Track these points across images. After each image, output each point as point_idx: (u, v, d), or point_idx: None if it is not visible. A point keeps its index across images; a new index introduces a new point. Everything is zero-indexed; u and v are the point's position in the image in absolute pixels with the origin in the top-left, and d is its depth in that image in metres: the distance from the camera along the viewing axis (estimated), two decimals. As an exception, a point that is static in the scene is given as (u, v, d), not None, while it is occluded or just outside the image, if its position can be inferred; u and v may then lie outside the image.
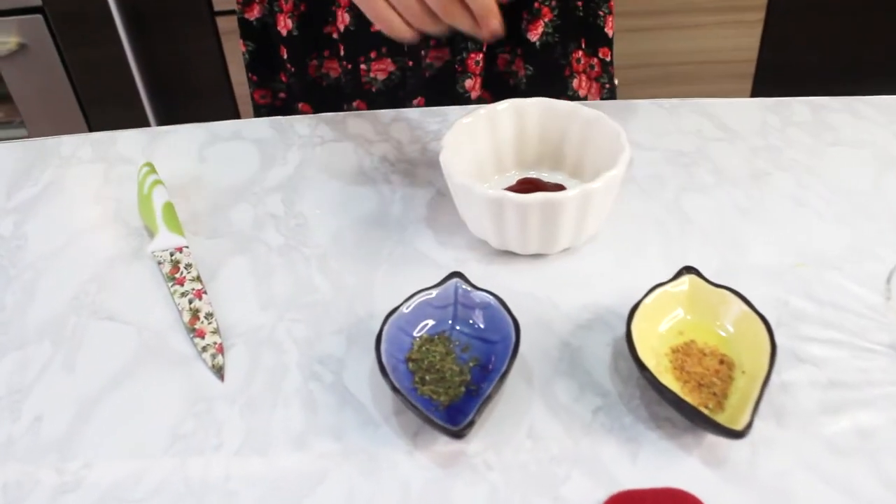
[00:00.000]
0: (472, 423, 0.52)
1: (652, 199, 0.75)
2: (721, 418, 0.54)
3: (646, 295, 0.60)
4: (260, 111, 0.93)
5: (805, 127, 0.83)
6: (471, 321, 0.62)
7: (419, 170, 0.80)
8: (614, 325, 0.63)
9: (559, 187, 0.73)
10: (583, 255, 0.69)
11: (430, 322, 0.61)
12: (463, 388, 0.58)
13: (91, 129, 1.52)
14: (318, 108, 0.94)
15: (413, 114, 0.88)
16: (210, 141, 0.87)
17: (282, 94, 0.92)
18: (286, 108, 0.93)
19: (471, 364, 0.59)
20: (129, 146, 0.86)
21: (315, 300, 0.67)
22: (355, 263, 0.70)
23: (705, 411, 0.55)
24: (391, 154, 0.82)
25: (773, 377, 0.56)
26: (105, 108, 1.47)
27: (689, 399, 0.56)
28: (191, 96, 1.55)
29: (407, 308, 0.60)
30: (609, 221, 0.71)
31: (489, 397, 0.54)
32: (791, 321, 0.63)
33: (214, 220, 0.76)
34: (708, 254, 0.69)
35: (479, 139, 0.73)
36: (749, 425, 0.52)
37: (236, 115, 1.73)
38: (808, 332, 0.62)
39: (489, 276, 0.67)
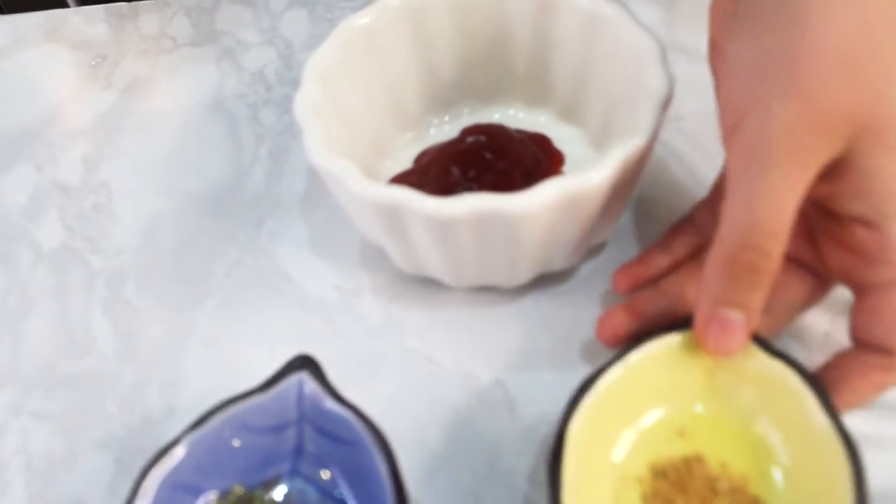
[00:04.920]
0: None
1: (710, 164, 0.38)
2: None
3: (619, 356, 0.27)
4: None
5: None
6: (328, 468, 0.28)
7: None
8: (621, 457, 0.30)
9: (539, 142, 0.38)
10: (571, 286, 0.34)
11: (249, 460, 0.28)
12: None
13: None
14: None
15: (322, -6, 0.51)
16: (12, 45, 0.52)
17: None
18: None
19: (315, 570, 0.27)
20: None
21: (83, 370, 0.35)
22: (167, 291, 0.37)
23: None
24: (271, 68, 0.47)
25: None
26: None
27: None
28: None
29: (194, 443, 0.27)
30: (629, 211, 0.36)
31: None
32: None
33: (-30, 195, 0.43)
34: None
35: (389, 52, 0.37)
36: None
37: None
38: None
39: (391, 331, 0.34)
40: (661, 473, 0.28)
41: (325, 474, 0.28)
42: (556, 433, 0.26)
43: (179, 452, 0.27)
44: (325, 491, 0.28)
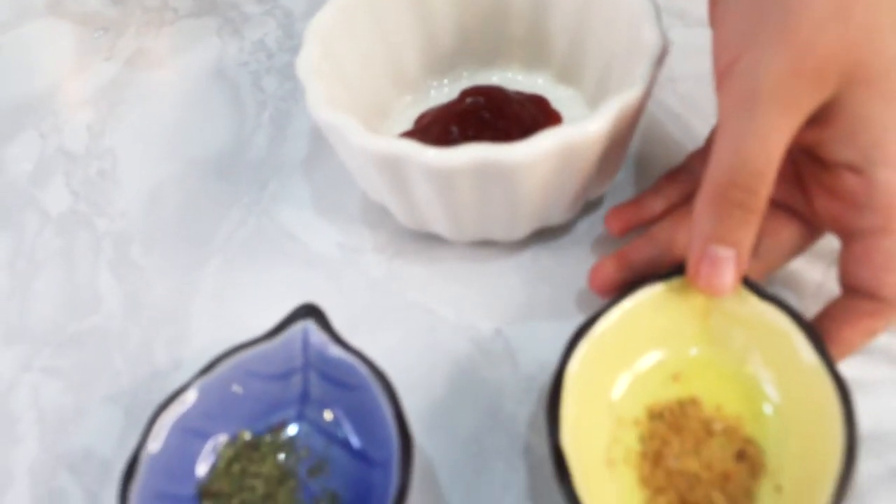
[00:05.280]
0: None
1: (705, 121, 0.39)
2: None
3: (616, 300, 0.28)
4: None
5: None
6: (334, 413, 0.29)
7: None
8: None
9: (537, 103, 0.38)
10: (570, 241, 0.35)
11: (257, 406, 0.29)
12: (297, 574, 0.27)
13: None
14: None
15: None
16: (15, 18, 0.53)
17: None
18: None
19: (320, 510, 0.28)
20: None
21: (92, 328, 0.35)
22: (171, 251, 0.37)
23: None
24: (272, 37, 0.47)
25: None
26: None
27: None
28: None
29: (204, 389, 0.28)
30: (626, 167, 0.37)
31: None
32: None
33: (-23, 163, 0.44)
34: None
35: (389, 16, 0.37)
36: None
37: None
38: None
39: (393, 286, 0.34)
40: (657, 416, 0.28)
41: (328, 415, 0.29)
42: (555, 375, 0.27)
43: (190, 397, 0.28)
44: (331, 435, 0.29)
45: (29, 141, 0.44)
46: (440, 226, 0.33)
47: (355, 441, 0.28)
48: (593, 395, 0.28)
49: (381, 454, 0.27)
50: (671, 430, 0.28)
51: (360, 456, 0.28)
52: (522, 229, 0.33)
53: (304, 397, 0.29)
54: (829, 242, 0.34)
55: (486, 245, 0.35)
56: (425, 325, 0.33)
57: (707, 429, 0.28)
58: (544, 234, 0.35)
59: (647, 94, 0.31)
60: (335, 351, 0.28)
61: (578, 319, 0.32)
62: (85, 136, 0.43)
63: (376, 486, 0.27)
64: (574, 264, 0.34)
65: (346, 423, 0.29)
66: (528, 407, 0.30)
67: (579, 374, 0.27)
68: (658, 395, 0.29)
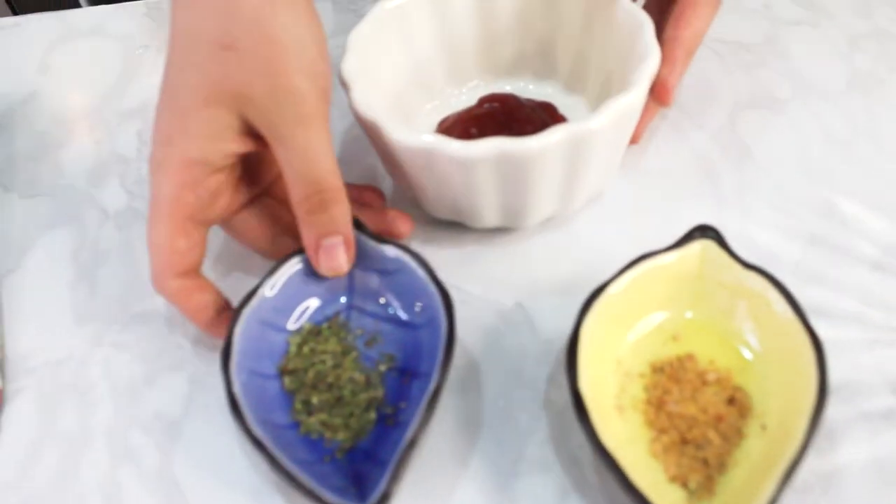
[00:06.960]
0: (386, 497, 0.27)
1: (694, 124, 0.44)
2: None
3: (621, 272, 0.32)
4: None
5: (934, -6, 0.50)
6: (378, 297, 0.35)
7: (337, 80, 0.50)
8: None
9: (546, 109, 0.43)
10: (577, 228, 0.40)
11: (313, 303, 0.34)
12: (374, 414, 0.32)
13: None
14: None
15: (343, -11, 0.56)
16: (61, 38, 0.57)
17: None
18: None
19: (382, 368, 0.33)
20: (-50, 49, 0.57)
21: (154, 308, 0.39)
22: (220, 241, 0.42)
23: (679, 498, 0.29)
24: (304, 54, 0.52)
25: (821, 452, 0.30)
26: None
27: (659, 463, 0.30)
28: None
29: (272, 289, 0.33)
30: (623, 165, 0.42)
31: (420, 428, 0.28)
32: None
33: (37, 167, 0.47)
34: (781, 222, 0.39)
35: (417, 31, 0.42)
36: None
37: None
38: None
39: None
40: (659, 370, 0.33)
41: (378, 295, 0.35)
42: (572, 333, 0.31)
43: (266, 290, 0.33)
44: (378, 315, 0.35)
45: (84, 147, 0.48)
46: (464, 214, 0.38)
47: (401, 314, 0.34)
48: (603, 352, 0.32)
49: (425, 316, 0.32)
50: (671, 381, 0.32)
51: (406, 324, 0.34)
52: (535, 216, 0.38)
53: (350, 289, 0.35)
54: (808, 226, 0.39)
55: (504, 231, 0.39)
56: (455, 299, 0.37)
57: (702, 379, 0.32)
58: (554, 222, 0.39)
59: (641, 96, 0.35)
60: (373, 245, 0.34)
61: (586, 293, 0.37)
62: (135, 141, 0.48)
63: (424, 342, 0.32)
64: (582, 247, 0.39)
65: (390, 302, 0.34)
66: (546, 367, 0.35)
67: (592, 333, 0.31)
68: (659, 353, 0.33)
